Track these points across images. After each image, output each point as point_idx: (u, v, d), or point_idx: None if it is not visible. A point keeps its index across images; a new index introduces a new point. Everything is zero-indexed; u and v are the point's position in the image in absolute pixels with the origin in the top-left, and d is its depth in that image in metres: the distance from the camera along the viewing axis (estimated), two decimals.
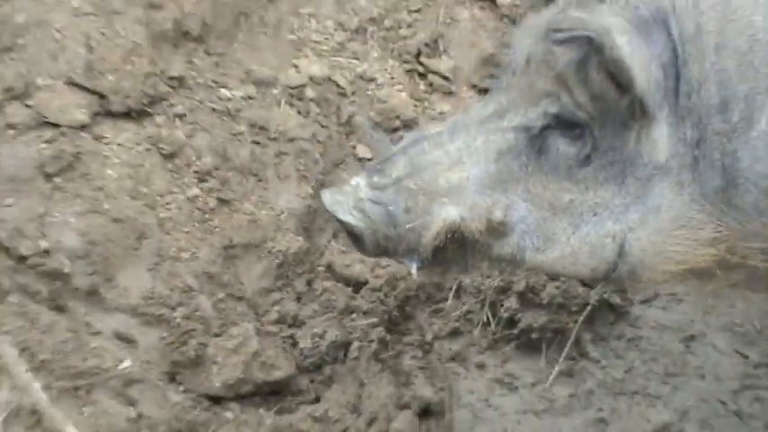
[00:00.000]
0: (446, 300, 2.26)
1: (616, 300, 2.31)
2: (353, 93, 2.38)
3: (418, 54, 2.46)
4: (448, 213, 1.67)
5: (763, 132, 1.63)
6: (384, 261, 2.23)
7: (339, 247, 2.29)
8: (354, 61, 2.39)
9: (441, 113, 2.38)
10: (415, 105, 2.37)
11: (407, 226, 1.70)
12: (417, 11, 2.45)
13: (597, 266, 1.76)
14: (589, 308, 2.22)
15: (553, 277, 2.25)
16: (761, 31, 1.56)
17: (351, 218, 1.66)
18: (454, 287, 2.29)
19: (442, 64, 2.43)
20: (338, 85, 2.34)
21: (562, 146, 1.71)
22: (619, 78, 1.54)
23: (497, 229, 1.71)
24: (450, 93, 2.40)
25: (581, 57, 1.61)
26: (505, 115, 1.72)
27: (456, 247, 1.71)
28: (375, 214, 1.67)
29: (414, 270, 1.71)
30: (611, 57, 1.52)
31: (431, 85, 2.43)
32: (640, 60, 1.53)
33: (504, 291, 2.25)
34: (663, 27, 1.60)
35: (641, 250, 1.73)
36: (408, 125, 2.35)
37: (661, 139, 1.66)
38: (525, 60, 1.70)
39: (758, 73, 1.56)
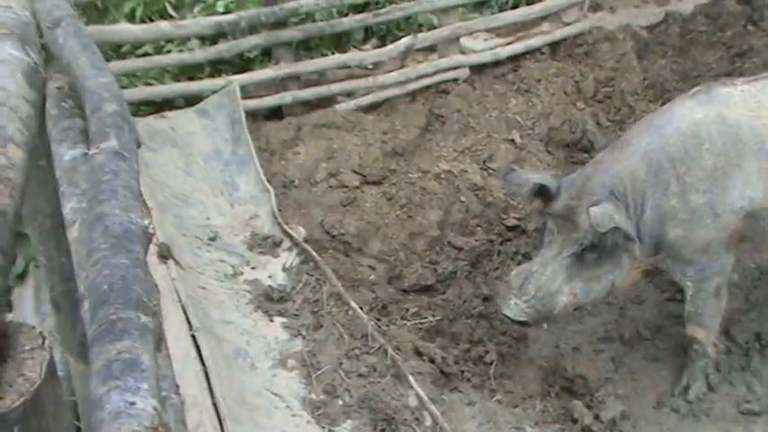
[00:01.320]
0: (493, 255, 4.37)
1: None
2: (459, 176, 4.56)
3: (484, 161, 4.79)
4: (563, 299, 3.04)
5: (647, 217, 3.07)
6: (470, 240, 4.20)
7: (453, 234, 4.63)
8: (459, 164, 4.71)
9: (493, 184, 4.74)
10: (482, 180, 4.89)
11: (544, 310, 3.01)
12: (484, 145, 4.97)
13: (606, 294, 3.20)
14: None
15: (585, 305, 3.36)
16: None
17: (526, 317, 3.01)
18: (497, 251, 4.51)
19: (493, 164, 4.82)
20: (453, 173, 4.85)
21: (588, 255, 3.07)
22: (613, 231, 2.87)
23: (571, 303, 3.09)
24: (496, 176, 5.21)
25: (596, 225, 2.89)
26: (563, 251, 3.05)
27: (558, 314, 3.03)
28: (531, 313, 3.01)
29: (546, 326, 3.15)
30: (614, 235, 2.92)
31: (488, 173, 4.72)
32: (623, 222, 2.88)
33: (516, 253, 4.33)
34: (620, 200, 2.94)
35: (618, 282, 3.18)
36: (480, 189, 4.90)
37: (636, 246, 3.04)
38: (561, 222, 3.05)
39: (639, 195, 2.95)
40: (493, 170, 4.60)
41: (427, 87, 4.85)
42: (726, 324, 3.60)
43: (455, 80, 4.93)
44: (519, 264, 4.10)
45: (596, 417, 3.33)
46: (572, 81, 5.01)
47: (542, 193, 3.10)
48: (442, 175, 4.50)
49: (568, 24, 5.17)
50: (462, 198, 4.48)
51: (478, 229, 4.45)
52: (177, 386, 1.25)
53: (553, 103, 4.92)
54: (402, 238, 4.20)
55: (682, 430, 3.34)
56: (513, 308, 2.98)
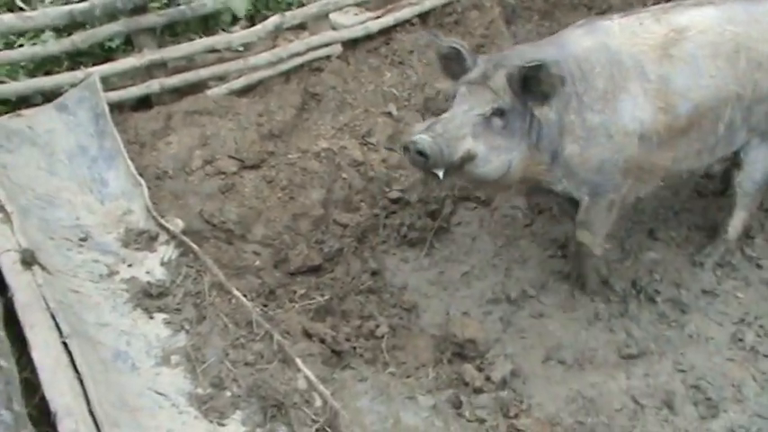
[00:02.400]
0: (379, 229, 4.28)
1: (445, 225, 4.27)
2: (339, 153, 4.45)
3: (363, 136, 4.67)
4: (466, 146, 3.01)
5: (546, 120, 3.15)
6: (355, 216, 4.19)
7: (339, 212, 4.55)
8: (339, 141, 4.56)
9: (373, 158, 4.73)
10: (364, 155, 4.59)
11: (447, 153, 2.93)
12: (361, 120, 4.86)
13: (501, 174, 3.15)
14: (434, 229, 4.25)
15: (479, 182, 3.34)
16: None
17: (429, 149, 2.92)
18: (381, 224, 4.23)
19: (373, 139, 4.83)
20: (333, 151, 4.67)
21: (497, 120, 3.09)
22: (543, 87, 2.97)
23: (470, 157, 3.04)
24: (376, 150, 4.66)
25: (514, 81, 2.99)
26: (474, 109, 3.07)
27: (456, 165, 3.00)
28: (435, 148, 2.94)
29: (441, 175, 2.99)
30: (548, 76, 2.95)
31: (368, 147, 4.59)
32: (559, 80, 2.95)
33: (401, 225, 4.25)
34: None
35: (514, 166, 3.17)
36: (361, 164, 5.02)
37: (550, 115, 3.09)
38: (474, 86, 3.09)
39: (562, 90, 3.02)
40: (372, 144, 4.66)
41: (300, 66, 4.78)
42: (604, 273, 3.83)
43: (328, 57, 4.88)
44: (405, 236, 4.38)
45: (487, 378, 3.41)
46: None
47: (459, 60, 3.23)
48: (322, 154, 4.49)
49: None
50: (344, 175, 4.47)
51: (362, 204, 4.45)
52: (10, 400, 1.12)
53: (427, 73, 4.93)
54: (285, 221, 4.17)
55: (568, 380, 3.48)
56: (419, 139, 2.97)
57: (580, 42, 3.23)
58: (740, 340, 3.58)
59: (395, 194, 4.51)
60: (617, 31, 3.25)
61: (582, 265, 3.76)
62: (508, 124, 3.14)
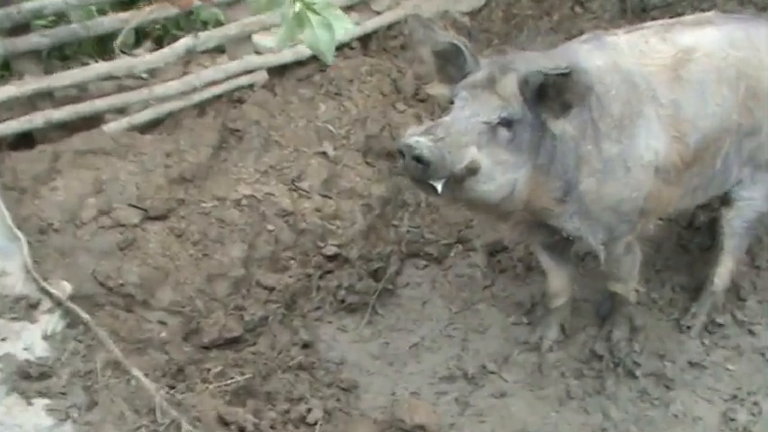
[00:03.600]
0: (312, 293, 4.38)
1: (390, 287, 4.44)
2: (263, 201, 4.51)
3: (293, 180, 4.73)
4: (471, 155, 3.05)
5: (567, 141, 3.25)
6: (283, 278, 4.31)
7: (262, 271, 4.54)
8: (264, 188, 4.60)
9: (305, 207, 4.61)
10: (294, 204, 4.64)
11: (448, 161, 3.00)
12: (291, 161, 4.85)
13: (504, 194, 3.22)
14: (377, 292, 4.42)
15: (479, 203, 3.34)
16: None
17: (428, 154, 2.97)
18: (315, 286, 4.37)
19: (305, 183, 4.86)
20: (257, 198, 4.49)
21: (503, 132, 3.16)
22: (566, 97, 3.05)
23: (474, 169, 3.06)
24: (309, 197, 4.74)
25: (528, 88, 3.08)
26: (477, 116, 3.12)
27: (458, 177, 3.03)
28: (436, 153, 2.99)
29: (440, 188, 3.03)
30: (575, 84, 3.02)
31: (300, 194, 4.73)
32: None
33: (338, 287, 4.38)
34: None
35: (519, 188, 3.24)
36: (290, 214, 4.95)
37: (564, 129, 3.16)
38: (479, 91, 3.16)
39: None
40: (304, 191, 4.74)
41: (218, 97, 4.87)
42: (638, 324, 4.14)
43: (251, 86, 4.95)
44: (343, 301, 4.53)
45: None
46: (389, 79, 5.20)
47: (457, 60, 3.30)
48: (244, 202, 4.55)
49: (379, 14, 5.32)
50: (270, 227, 4.55)
51: (292, 262, 4.55)
52: None
53: (369, 106, 5.06)
54: (198, 283, 4.22)
55: None
56: (416, 142, 3.00)
57: (591, 60, 3.33)
58: (732, 420, 3.69)
59: (331, 250, 4.62)
60: (625, 48, 3.40)
61: (615, 313, 4.02)
62: (516, 137, 3.21)
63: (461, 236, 4.85)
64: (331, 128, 5.02)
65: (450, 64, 3.31)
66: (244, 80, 4.94)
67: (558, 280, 4.07)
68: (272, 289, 4.37)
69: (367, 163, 5.04)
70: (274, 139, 4.84)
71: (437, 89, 3.55)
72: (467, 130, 3.11)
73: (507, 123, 3.19)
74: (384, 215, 4.92)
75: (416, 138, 3.05)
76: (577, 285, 4.24)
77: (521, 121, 3.20)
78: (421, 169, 3.00)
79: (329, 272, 4.56)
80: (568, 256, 4.05)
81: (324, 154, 4.96)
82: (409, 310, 4.46)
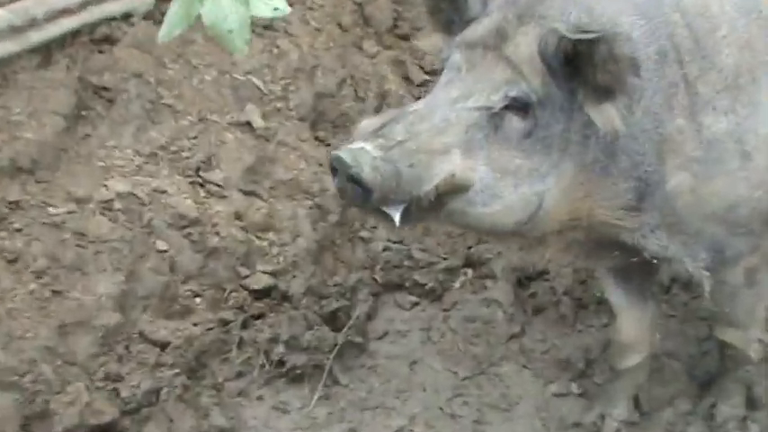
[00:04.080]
0: (231, 350, 4.40)
1: (358, 339, 4.52)
2: (151, 203, 4.51)
3: (198, 169, 4.69)
4: (449, 167, 3.08)
5: (639, 117, 3.27)
6: (182, 327, 4.37)
7: (148, 318, 4.42)
8: (149, 179, 4.57)
9: (217, 212, 4.68)
10: (198, 208, 4.62)
11: (410, 178, 3.05)
12: (194, 137, 4.82)
13: (521, 219, 3.31)
14: (337, 347, 4.46)
15: (481, 231, 3.64)
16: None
17: (368, 175, 3.01)
18: (236, 341, 4.43)
19: (216, 175, 4.74)
20: (138, 198, 4.50)
21: (515, 122, 3.23)
22: (600, 76, 3.06)
23: (461, 186, 3.14)
24: (223, 196, 4.73)
25: (547, 52, 3.12)
26: (470, 98, 3.19)
27: (426, 201, 3.11)
28: (385, 171, 3.03)
29: (397, 220, 3.13)
30: (614, 52, 3.02)
31: (208, 192, 4.68)
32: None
33: (273, 341, 4.42)
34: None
35: (550, 204, 3.30)
36: (194, 223, 4.69)
37: (613, 114, 3.17)
38: (479, 53, 3.23)
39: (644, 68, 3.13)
40: (216, 186, 4.87)
41: (73, 35, 4.83)
42: (758, 393, 4.15)
43: (127, 17, 4.96)
44: (281, 363, 4.60)
45: None
46: (351, 4, 5.43)
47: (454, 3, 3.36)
48: (117, 205, 4.59)
49: None
50: (161, 245, 4.59)
51: (198, 301, 4.59)
52: None
53: (319, 47, 5.23)
54: (44, 338, 4.18)
55: None
56: (356, 153, 3.09)
57: None
58: None
59: (260, 281, 4.69)
60: None
61: (723, 377, 4.09)
62: (537, 128, 3.27)
63: (472, 255, 4.95)
64: (258, 83, 5.06)
65: (448, 4, 3.42)
66: (115, 7, 4.89)
67: (633, 325, 4.11)
68: (164, 345, 4.38)
69: (317, 139, 5.11)
70: (166, 102, 4.90)
71: (429, 40, 3.49)
72: (447, 125, 3.19)
73: (520, 108, 3.25)
74: (346, 223, 4.97)
75: (355, 146, 3.13)
76: (662, 333, 4.24)
77: (544, 104, 3.27)
78: (361, 195, 3.09)
79: (258, 316, 4.59)
80: (650, 289, 4.12)
81: (247, 125, 5.02)
82: (389, 375, 4.49)
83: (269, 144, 5.02)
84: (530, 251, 4.25)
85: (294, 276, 4.71)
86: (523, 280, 4.87)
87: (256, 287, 4.68)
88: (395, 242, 4.97)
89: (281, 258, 4.76)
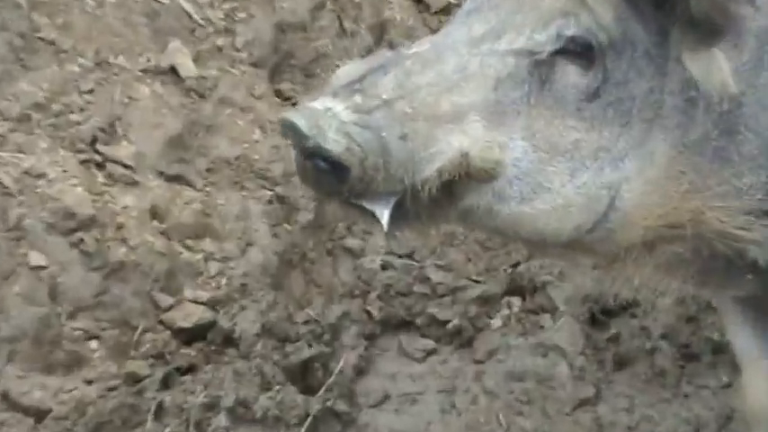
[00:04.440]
0: (144, 422, 4.28)
1: (342, 407, 4.44)
2: (21, 192, 4.49)
3: (93, 141, 4.69)
4: (461, 142, 2.97)
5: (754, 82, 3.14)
6: (68, 385, 4.36)
7: (16, 371, 4.26)
8: (19, 155, 4.55)
9: (125, 208, 4.60)
10: (94, 201, 4.57)
11: (402, 156, 2.93)
12: (89, 91, 4.72)
13: (584, 223, 3.17)
14: (310, 419, 4.38)
15: (522, 241, 3.52)
16: None
17: (336, 145, 2.86)
18: (153, 407, 4.33)
19: (122, 150, 4.73)
20: (2, 185, 4.45)
21: (572, 75, 3.10)
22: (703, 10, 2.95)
23: (487, 172, 3.02)
24: (133, 183, 4.68)
25: None
26: (502, 36, 3.08)
27: (426, 194, 2.97)
28: (365, 141, 2.90)
29: (385, 221, 2.97)
30: None
31: (110, 176, 4.66)
32: None
33: (211, 407, 4.33)
34: None
35: (631, 203, 3.18)
36: (88, 224, 4.54)
37: (720, 65, 3.07)
38: None
39: None
40: (124, 167, 4.91)
41: None
42: None
43: None
44: None
45: None
46: None
47: None
48: None
49: None
50: (35, 257, 4.62)
51: (92, 346, 4.63)
52: None
53: None
54: None
55: None
56: (316, 115, 2.90)
57: None
58: None
59: (192, 315, 4.75)
60: None
61: None
62: (608, 86, 3.10)
63: (520, 276, 4.94)
64: (187, 6, 5.12)
65: None
66: None
67: None
68: (41, 414, 4.35)
69: (280, 95, 5.18)
70: (44, 36, 4.90)
71: None
72: (464, 78, 3.07)
73: (582, 54, 3.10)
74: (324, 225, 4.98)
75: (318, 105, 2.96)
76: None
77: (620, 49, 3.16)
78: (327, 180, 2.94)
79: (188, 370, 4.61)
80: None
81: (170, 74, 5.05)
82: None
83: (204, 102, 4.96)
84: (609, 272, 3.73)
85: (243, 308, 4.65)
86: (599, 315, 4.79)
87: (184, 324, 4.66)
88: (400, 255, 4.87)
89: (224, 280, 4.73)
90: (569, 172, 3.11)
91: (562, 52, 3.06)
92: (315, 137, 2.84)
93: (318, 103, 2.92)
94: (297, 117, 2.89)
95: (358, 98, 2.93)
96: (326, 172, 2.89)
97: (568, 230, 3.18)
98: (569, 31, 3.06)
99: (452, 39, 3.12)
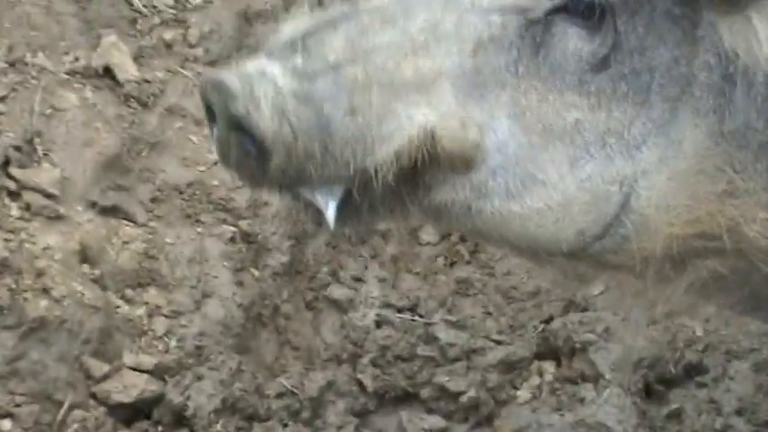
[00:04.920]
0: None
1: None
2: None
3: (6, 163, 4.29)
4: (426, 116, 2.74)
5: None
6: None
7: None
8: None
9: (46, 249, 4.20)
10: (7, 240, 4.21)
11: (350, 135, 2.74)
12: (0, 99, 4.34)
13: (589, 227, 2.92)
14: None
15: (509, 248, 3.28)
16: None
17: (265, 121, 2.68)
18: None
19: (43, 175, 4.30)
20: None
21: (574, 39, 2.84)
22: None
23: (462, 157, 2.80)
24: (58, 217, 4.24)
25: None
26: None
27: (404, 177, 2.79)
28: (300, 120, 2.69)
29: (331, 215, 2.76)
30: None
31: (28, 208, 4.24)
32: None
33: None
34: None
35: (651, 203, 2.92)
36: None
37: (761, 36, 2.82)
38: None
39: None
40: (48, 195, 4.39)
41: None
42: None
43: None
44: None
45: None
46: None
47: None
48: None
49: None
50: None
51: (5, 426, 4.39)
52: None
53: None
54: None
55: None
56: (248, 78, 2.65)
57: None
58: None
59: (133, 387, 4.36)
60: None
61: None
62: (619, 54, 2.84)
63: (553, 333, 4.54)
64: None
65: None
66: None
67: None
68: None
69: None
70: None
71: None
72: (434, 38, 2.84)
73: (585, 12, 2.85)
74: (302, 269, 4.58)
75: (251, 67, 2.74)
76: None
77: (636, 8, 2.90)
78: (255, 160, 2.72)
79: None
80: None
81: (105, 76, 4.56)
82: None
83: (148, 113, 4.50)
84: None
85: (198, 378, 4.32)
86: (655, 385, 4.36)
87: (123, 399, 4.30)
88: (400, 308, 4.47)
89: (173, 341, 4.30)
90: (569, 161, 2.84)
91: (561, 10, 2.80)
92: (243, 106, 2.65)
93: (253, 65, 2.71)
94: (226, 76, 2.69)
95: (299, 60, 2.70)
96: (250, 154, 2.70)
97: (570, 236, 2.90)
98: None
99: None
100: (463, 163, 2.75)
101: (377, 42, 2.74)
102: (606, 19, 2.80)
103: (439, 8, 2.80)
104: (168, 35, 4.70)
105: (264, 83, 2.65)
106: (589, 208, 2.86)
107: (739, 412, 4.31)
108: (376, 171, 2.68)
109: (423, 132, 2.67)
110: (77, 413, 4.28)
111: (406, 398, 4.37)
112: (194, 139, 4.59)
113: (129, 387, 4.23)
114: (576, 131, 2.82)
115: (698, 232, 2.95)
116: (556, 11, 2.78)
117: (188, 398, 4.26)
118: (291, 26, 2.83)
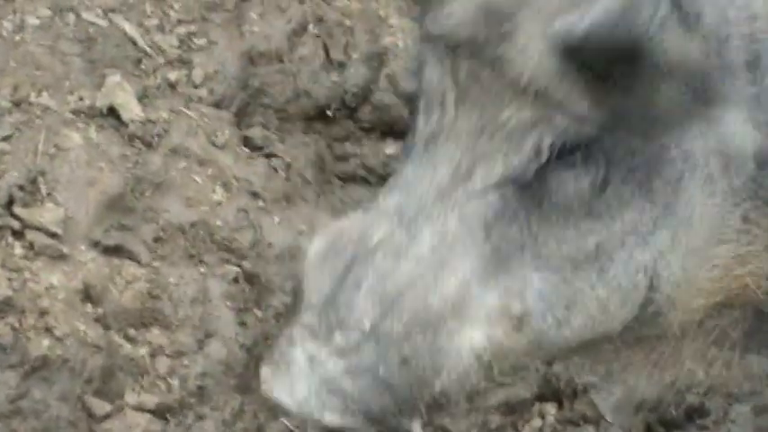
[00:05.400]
0: None
1: None
2: None
3: (10, 203, 4.30)
4: (472, 337, 2.77)
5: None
6: None
7: None
8: None
9: (49, 288, 4.21)
10: (10, 279, 4.22)
11: (412, 378, 2.76)
12: (5, 139, 4.37)
13: (629, 314, 2.96)
14: None
15: (575, 354, 3.36)
16: None
17: (332, 415, 2.73)
18: None
19: (47, 214, 4.32)
20: None
21: (571, 181, 2.85)
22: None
23: (515, 328, 2.83)
24: (61, 256, 4.27)
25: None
26: (474, 173, 2.83)
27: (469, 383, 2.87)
28: (363, 390, 2.74)
29: (418, 430, 2.84)
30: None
31: (31, 247, 4.26)
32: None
33: None
34: None
35: (671, 282, 2.96)
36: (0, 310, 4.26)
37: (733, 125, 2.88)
38: (472, 91, 2.84)
39: None
40: (52, 235, 4.42)
41: None
42: None
43: None
44: None
45: None
46: None
47: None
48: None
49: None
50: None
51: None
52: None
53: None
54: None
55: None
56: (301, 376, 2.72)
57: None
58: None
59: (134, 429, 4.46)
60: None
61: None
62: (614, 168, 2.88)
63: (555, 376, 4.57)
64: (131, 31, 4.73)
65: None
66: None
67: None
68: None
69: (249, 144, 4.82)
70: None
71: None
72: (449, 251, 2.84)
73: (571, 153, 2.87)
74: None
75: (302, 355, 2.76)
76: None
77: (616, 124, 2.87)
78: None
79: None
80: None
81: (110, 116, 4.58)
82: None
83: (152, 153, 4.54)
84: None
85: (200, 417, 4.29)
86: (657, 428, 4.38)
87: None
88: None
89: (176, 381, 4.30)
90: (597, 273, 2.88)
91: (548, 164, 2.83)
92: (308, 412, 2.73)
93: (299, 353, 2.74)
94: (284, 397, 2.74)
95: (339, 337, 2.73)
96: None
97: (615, 327, 2.94)
98: (548, 141, 2.81)
99: (418, 195, 2.86)
100: (516, 338, 2.81)
101: (398, 284, 2.76)
102: (592, 149, 2.85)
103: (439, 213, 2.82)
104: (173, 75, 4.69)
105: (316, 375, 2.69)
106: (623, 302, 2.90)
107: None
108: (441, 398, 2.76)
109: (476, 350, 2.74)
110: None
111: None
112: (198, 179, 4.55)
113: (132, 427, 4.23)
114: (599, 251, 2.87)
115: (725, 299, 3.02)
116: (543, 167, 2.81)
117: None
118: (316, 280, 2.84)
